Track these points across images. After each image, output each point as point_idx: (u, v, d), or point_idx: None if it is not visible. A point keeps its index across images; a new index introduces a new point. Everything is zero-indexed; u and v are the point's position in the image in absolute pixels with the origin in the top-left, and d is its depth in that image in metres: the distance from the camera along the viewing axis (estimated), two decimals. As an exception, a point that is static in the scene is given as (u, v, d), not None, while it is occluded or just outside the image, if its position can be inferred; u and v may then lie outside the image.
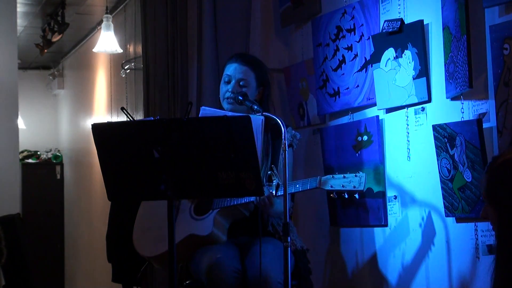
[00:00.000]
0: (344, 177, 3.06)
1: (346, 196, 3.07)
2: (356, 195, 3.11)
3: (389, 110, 3.47)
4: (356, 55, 3.67)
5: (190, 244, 3.26)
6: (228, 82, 3.46)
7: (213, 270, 3.13)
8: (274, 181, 3.13)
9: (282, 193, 3.03)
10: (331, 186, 3.07)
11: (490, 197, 2.08)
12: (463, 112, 2.99)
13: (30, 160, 9.72)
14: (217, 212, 3.25)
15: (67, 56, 9.09)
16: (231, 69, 3.47)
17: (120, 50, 6.34)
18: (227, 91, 3.44)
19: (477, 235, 2.95)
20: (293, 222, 3.50)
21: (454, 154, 3.01)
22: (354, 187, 3.03)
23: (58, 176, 9.76)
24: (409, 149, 3.35)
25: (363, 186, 3.03)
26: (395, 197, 3.45)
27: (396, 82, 3.35)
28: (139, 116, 5.93)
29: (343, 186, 3.05)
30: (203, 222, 3.26)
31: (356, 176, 3.04)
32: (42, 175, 9.71)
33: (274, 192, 3.13)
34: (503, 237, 2.05)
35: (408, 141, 3.35)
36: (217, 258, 3.15)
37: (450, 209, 3.06)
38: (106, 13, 6.20)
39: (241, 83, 3.44)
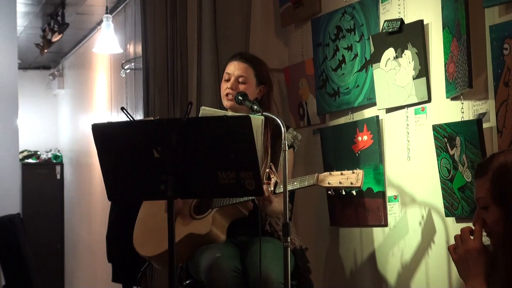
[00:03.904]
0: (341, 174, 3.06)
1: (344, 193, 3.07)
2: (354, 192, 3.11)
3: (389, 110, 3.47)
4: (356, 55, 3.67)
5: (189, 243, 3.26)
6: (228, 80, 3.46)
7: (213, 269, 3.13)
8: (273, 179, 3.13)
9: (281, 190, 3.03)
10: (329, 183, 3.07)
11: (496, 198, 2.08)
12: (463, 112, 2.99)
13: (30, 160, 9.72)
14: (216, 211, 3.25)
15: (67, 56, 9.09)
16: (231, 67, 3.48)
17: (120, 50, 6.34)
18: (227, 88, 3.44)
19: (477, 235, 2.95)
20: (291, 222, 3.49)
21: (454, 154, 3.01)
22: (352, 183, 3.03)
23: (58, 176, 9.76)
24: (409, 149, 3.35)
25: (361, 183, 3.02)
26: (395, 197, 3.45)
27: (396, 82, 3.35)
28: (139, 116, 5.93)
29: (340, 183, 3.05)
30: (202, 221, 3.26)
31: (353, 172, 3.04)
32: (42, 175, 9.71)
33: (272, 189, 3.12)
34: (509, 234, 2.05)
35: (408, 141, 3.35)
36: (217, 257, 3.15)
37: (450, 209, 3.06)
38: (106, 13, 6.20)
39: (240, 80, 3.44)
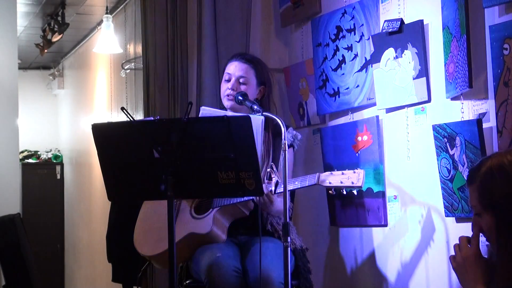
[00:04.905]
0: (342, 173, 3.07)
1: (345, 192, 3.08)
2: (355, 191, 3.11)
3: (389, 110, 3.47)
4: (356, 55, 3.67)
5: (190, 243, 3.26)
6: (229, 80, 3.47)
7: (213, 269, 3.13)
8: (274, 178, 3.14)
9: (281, 190, 3.04)
10: (330, 183, 3.08)
11: (485, 205, 2.08)
12: (463, 112, 2.99)
13: (30, 160, 9.73)
14: (217, 211, 3.25)
15: (67, 56, 9.09)
16: (232, 67, 3.48)
17: (120, 50, 6.34)
18: (227, 89, 3.45)
19: (477, 235, 2.95)
20: (292, 222, 3.50)
21: (454, 154, 3.01)
22: (353, 183, 3.04)
23: (58, 176, 9.76)
24: (409, 149, 3.35)
25: (362, 182, 3.03)
26: (395, 197, 3.45)
27: (396, 82, 3.35)
28: (139, 116, 5.93)
29: (341, 182, 3.06)
30: (202, 221, 3.26)
31: (354, 172, 3.04)
32: (42, 175, 9.71)
33: (273, 189, 3.13)
34: (504, 239, 2.05)
35: (408, 141, 3.35)
36: (217, 257, 3.15)
37: (450, 209, 3.06)
38: (106, 13, 6.20)
39: (241, 81, 3.44)
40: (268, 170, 3.18)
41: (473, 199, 2.14)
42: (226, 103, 3.46)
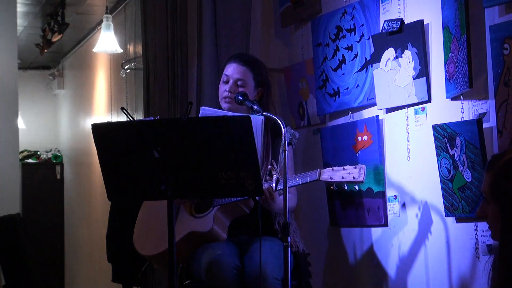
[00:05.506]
0: (343, 168, 3.07)
1: (346, 187, 3.08)
2: (356, 186, 3.11)
3: (389, 110, 3.47)
4: (356, 55, 3.67)
5: (191, 242, 3.27)
6: (226, 82, 3.47)
7: (213, 266, 3.14)
8: (274, 175, 3.14)
9: (282, 186, 3.04)
10: (331, 178, 3.08)
11: (494, 195, 2.09)
12: (463, 112, 2.99)
13: (30, 160, 9.73)
14: (218, 210, 3.26)
15: (67, 56, 9.09)
16: (230, 69, 3.48)
17: (120, 50, 6.34)
18: (225, 91, 3.45)
19: (477, 235, 2.96)
20: (296, 225, 3.50)
21: (454, 154, 3.01)
22: (354, 178, 3.04)
23: (58, 176, 9.77)
24: (409, 149, 3.35)
25: (363, 177, 3.03)
26: (395, 197, 3.45)
27: (396, 82, 3.35)
28: (139, 116, 5.93)
29: (342, 178, 3.06)
30: (203, 220, 3.27)
31: (355, 167, 3.05)
32: (42, 175, 9.72)
33: (274, 186, 3.13)
34: (507, 234, 2.06)
35: (408, 141, 3.35)
36: (217, 255, 3.16)
37: (450, 209, 3.06)
38: (106, 13, 6.20)
39: (238, 83, 3.45)
40: (269, 167, 3.18)
41: (485, 185, 2.15)
42: (224, 105, 3.46)
